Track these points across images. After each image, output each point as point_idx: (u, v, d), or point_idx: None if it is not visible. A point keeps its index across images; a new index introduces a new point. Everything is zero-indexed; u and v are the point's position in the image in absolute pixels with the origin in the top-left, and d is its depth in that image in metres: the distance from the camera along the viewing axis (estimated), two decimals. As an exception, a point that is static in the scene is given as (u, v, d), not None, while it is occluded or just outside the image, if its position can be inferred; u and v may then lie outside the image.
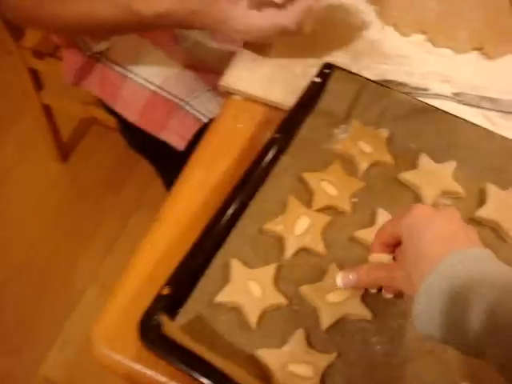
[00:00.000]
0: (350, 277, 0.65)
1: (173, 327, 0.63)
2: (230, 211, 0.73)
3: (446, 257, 0.54)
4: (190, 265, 0.69)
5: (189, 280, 0.68)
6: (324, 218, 0.74)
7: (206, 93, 1.05)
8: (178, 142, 1.03)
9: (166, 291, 0.66)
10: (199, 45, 1.12)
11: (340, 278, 0.65)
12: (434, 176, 0.77)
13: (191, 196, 0.80)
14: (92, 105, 1.51)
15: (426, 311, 0.54)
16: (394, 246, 0.63)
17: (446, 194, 0.77)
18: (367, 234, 0.72)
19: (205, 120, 1.02)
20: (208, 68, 1.09)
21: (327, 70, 0.84)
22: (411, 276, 0.57)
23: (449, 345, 0.54)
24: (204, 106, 1.03)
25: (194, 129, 1.02)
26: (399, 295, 0.66)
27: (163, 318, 0.63)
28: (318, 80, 0.83)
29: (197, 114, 1.03)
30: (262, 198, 0.75)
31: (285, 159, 0.78)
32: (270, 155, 0.77)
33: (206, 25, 0.85)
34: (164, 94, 1.05)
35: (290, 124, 0.80)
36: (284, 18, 0.80)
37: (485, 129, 0.81)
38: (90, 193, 1.78)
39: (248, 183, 0.75)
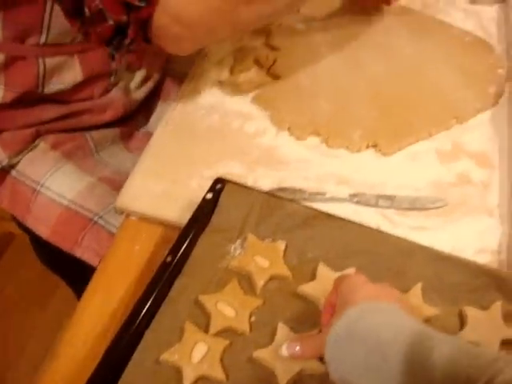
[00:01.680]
0: (297, 348, 0.65)
1: None
2: (124, 343, 0.70)
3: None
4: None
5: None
6: (222, 342, 0.71)
7: None
8: (93, 259, 1.00)
9: None
10: (112, 155, 1.11)
11: (285, 348, 0.66)
12: (332, 285, 0.75)
13: (90, 326, 0.78)
14: (7, 220, 1.47)
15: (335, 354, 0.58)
16: None
17: (346, 303, 0.75)
18: (267, 353, 0.70)
19: None
20: (122, 179, 1.07)
21: (219, 185, 0.83)
22: None
23: None
24: (117, 219, 1.01)
25: (108, 243, 0.99)
26: None
27: None
28: (209, 196, 0.82)
29: (111, 228, 1.00)
30: (157, 326, 0.72)
31: (179, 282, 0.75)
32: (163, 279, 0.75)
33: None
34: (77, 208, 1.02)
35: (183, 244, 0.78)
36: None
37: (380, 231, 0.81)
38: (14, 309, 1.72)
39: (142, 312, 0.72)
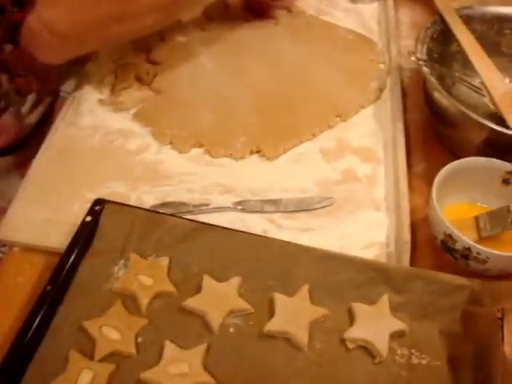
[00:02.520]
0: None
1: None
2: (5, 379, 0.67)
3: None
4: None
5: None
6: (108, 367, 0.69)
7: None
8: None
9: None
10: (8, 184, 1.08)
11: None
12: (218, 297, 0.75)
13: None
14: None
15: None
16: None
17: (233, 312, 0.74)
18: (154, 373, 0.68)
19: None
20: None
21: (98, 207, 0.81)
22: None
23: None
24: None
25: None
26: None
27: None
28: (88, 219, 0.80)
29: None
30: (41, 357, 0.70)
31: (62, 310, 0.73)
32: (43, 309, 0.73)
33: None
34: None
35: (62, 271, 0.76)
36: None
37: (264, 237, 0.80)
38: None
39: (22, 344, 0.70)
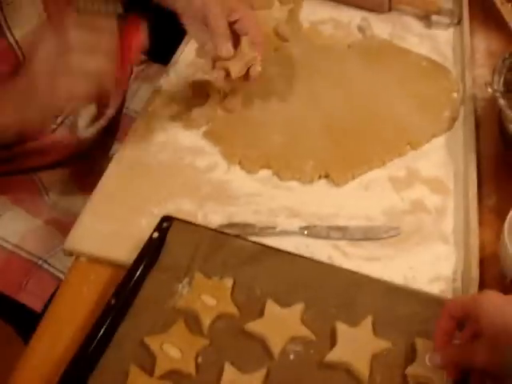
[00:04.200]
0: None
1: None
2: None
3: None
4: None
5: None
6: (166, 386, 0.70)
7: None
8: (36, 304, 0.98)
9: None
10: (64, 195, 1.10)
11: (427, 358, 0.69)
12: (280, 322, 0.74)
13: (36, 372, 0.76)
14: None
15: None
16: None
17: (295, 339, 0.74)
18: (214, 396, 0.68)
19: (63, 277, 0.98)
20: (71, 220, 1.05)
21: (165, 223, 0.81)
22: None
23: None
24: (63, 262, 0.99)
25: (51, 288, 0.97)
26: None
27: None
28: (155, 235, 0.81)
29: (55, 272, 0.99)
30: (102, 370, 0.71)
31: (125, 324, 0.74)
32: (107, 323, 0.73)
33: None
34: (21, 253, 1.01)
35: (128, 286, 0.77)
36: None
37: (329, 265, 0.80)
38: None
39: (84, 357, 0.71)
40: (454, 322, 0.69)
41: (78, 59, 0.77)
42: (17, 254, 1.01)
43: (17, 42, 0.90)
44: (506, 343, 0.62)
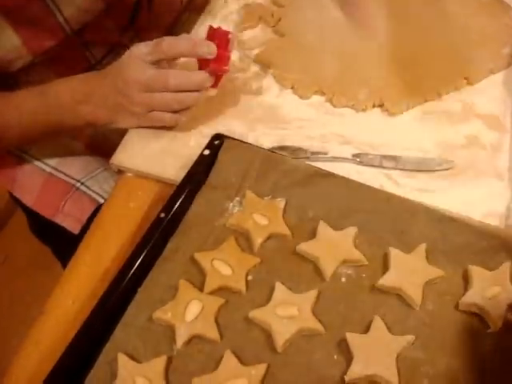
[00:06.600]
0: None
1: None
2: (114, 300, 0.68)
3: None
4: (71, 363, 0.64)
5: (70, 380, 0.63)
6: (217, 301, 0.69)
7: (103, 172, 1.00)
8: (73, 226, 0.98)
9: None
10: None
11: None
12: (333, 245, 0.73)
13: (79, 286, 0.76)
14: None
15: None
16: None
17: (347, 262, 0.72)
18: (263, 313, 0.68)
19: (101, 200, 0.97)
20: (112, 147, 1.04)
21: (217, 141, 0.80)
22: None
23: None
24: (100, 185, 0.98)
25: (89, 210, 0.97)
26: None
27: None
28: (206, 152, 0.79)
29: (93, 195, 0.98)
30: (151, 283, 0.70)
31: (175, 240, 0.73)
32: (156, 236, 0.72)
33: None
34: (59, 175, 1.00)
35: (177, 201, 0.75)
36: None
37: (383, 191, 0.78)
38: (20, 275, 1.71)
39: (132, 269, 0.70)
40: None
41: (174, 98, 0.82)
42: (55, 176, 1.00)
43: (65, 19, 0.89)
44: None
